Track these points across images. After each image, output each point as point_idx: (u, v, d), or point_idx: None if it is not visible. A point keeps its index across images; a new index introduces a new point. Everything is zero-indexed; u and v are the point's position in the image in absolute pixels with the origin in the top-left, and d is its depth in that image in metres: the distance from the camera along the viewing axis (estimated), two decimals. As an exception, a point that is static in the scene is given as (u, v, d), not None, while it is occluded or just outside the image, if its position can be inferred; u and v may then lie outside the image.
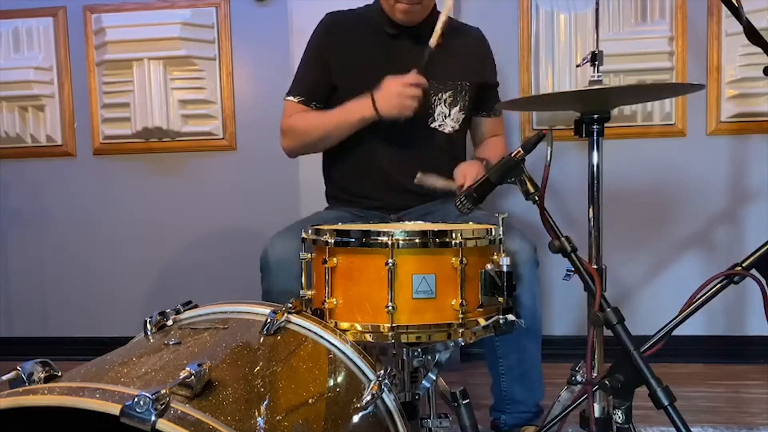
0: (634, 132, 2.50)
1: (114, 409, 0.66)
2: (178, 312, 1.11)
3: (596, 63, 1.22)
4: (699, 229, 2.51)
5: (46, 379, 0.79)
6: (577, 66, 2.40)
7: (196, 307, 1.14)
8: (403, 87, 1.60)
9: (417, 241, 1.13)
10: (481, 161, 1.72)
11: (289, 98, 1.81)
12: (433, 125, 1.78)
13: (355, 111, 1.67)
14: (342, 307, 1.16)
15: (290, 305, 1.09)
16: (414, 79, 1.60)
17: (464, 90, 1.80)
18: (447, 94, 1.78)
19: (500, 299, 1.19)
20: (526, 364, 1.66)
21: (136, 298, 2.76)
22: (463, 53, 1.83)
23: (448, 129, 1.80)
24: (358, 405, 0.96)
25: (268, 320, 1.02)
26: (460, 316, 1.13)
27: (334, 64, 1.79)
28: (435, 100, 1.77)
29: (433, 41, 1.62)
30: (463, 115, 1.82)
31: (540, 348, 1.67)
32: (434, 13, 1.80)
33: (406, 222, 1.61)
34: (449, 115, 1.79)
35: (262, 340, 1.00)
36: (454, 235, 1.13)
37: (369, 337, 1.13)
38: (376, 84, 1.73)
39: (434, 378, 1.26)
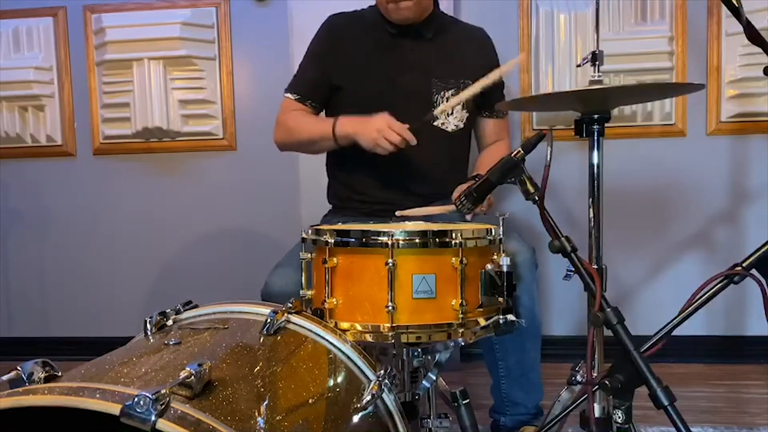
0: (634, 132, 2.50)
1: (114, 409, 0.66)
2: (178, 312, 1.11)
3: (596, 63, 1.22)
4: (699, 229, 2.51)
5: (46, 379, 0.79)
6: (578, 66, 2.40)
7: (196, 307, 1.14)
8: (387, 129, 1.58)
9: (417, 241, 1.13)
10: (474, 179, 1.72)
11: (287, 94, 1.85)
12: (435, 124, 1.78)
13: (340, 128, 1.68)
14: (342, 307, 1.15)
15: (290, 305, 1.09)
16: (399, 128, 1.58)
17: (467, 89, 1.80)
18: (449, 92, 1.78)
19: (500, 299, 1.19)
20: (526, 365, 1.66)
21: (136, 298, 2.76)
22: (467, 52, 1.83)
23: (450, 127, 1.80)
24: (358, 405, 0.96)
25: (268, 320, 1.02)
26: (460, 316, 1.13)
27: (335, 67, 1.80)
28: (437, 98, 1.77)
29: (438, 111, 1.64)
30: (467, 114, 1.82)
31: (539, 350, 1.67)
32: (437, 12, 1.80)
33: (406, 222, 1.61)
34: (451, 113, 1.80)
35: (262, 340, 1.00)
36: (454, 235, 1.13)
37: (369, 337, 1.13)
38: (379, 83, 1.73)
39: (434, 378, 1.26)
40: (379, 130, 1.59)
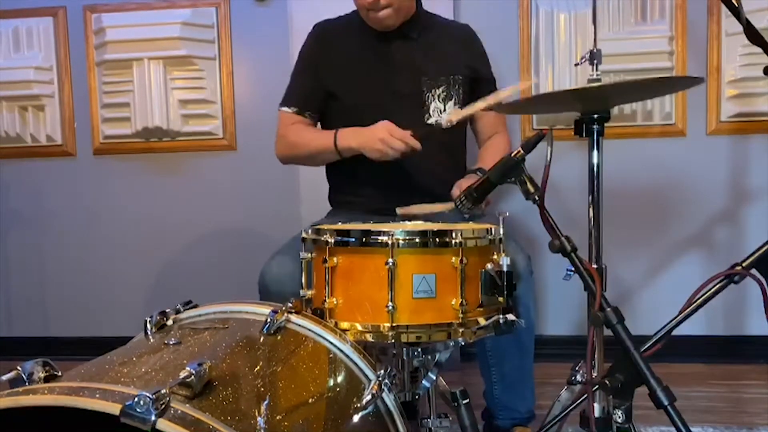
0: (634, 132, 2.50)
1: (114, 409, 0.67)
2: (178, 312, 1.11)
3: (594, 62, 1.22)
4: (699, 229, 2.51)
5: (46, 379, 0.79)
6: (576, 64, 2.40)
7: (196, 306, 1.14)
8: (390, 137, 1.59)
9: (417, 240, 1.13)
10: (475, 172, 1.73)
11: (283, 109, 1.84)
12: (429, 122, 1.79)
13: (341, 140, 1.69)
14: (342, 307, 1.15)
15: (290, 305, 1.09)
16: (401, 135, 1.59)
17: (457, 84, 1.81)
18: (440, 89, 1.79)
19: (500, 299, 1.18)
20: (519, 373, 1.67)
21: (136, 298, 2.76)
22: (453, 48, 1.85)
23: (445, 124, 1.81)
24: (358, 405, 0.97)
25: (268, 320, 1.02)
26: (460, 315, 1.13)
27: (326, 73, 1.82)
28: (429, 96, 1.78)
29: (445, 120, 1.65)
30: (460, 109, 1.83)
31: (532, 358, 1.68)
32: (420, 12, 1.81)
33: (406, 222, 1.61)
34: (444, 110, 1.80)
35: (262, 339, 1.00)
36: (454, 234, 1.13)
37: (369, 337, 1.13)
38: (370, 86, 1.74)
39: (434, 378, 1.26)
40: (382, 140, 1.60)
